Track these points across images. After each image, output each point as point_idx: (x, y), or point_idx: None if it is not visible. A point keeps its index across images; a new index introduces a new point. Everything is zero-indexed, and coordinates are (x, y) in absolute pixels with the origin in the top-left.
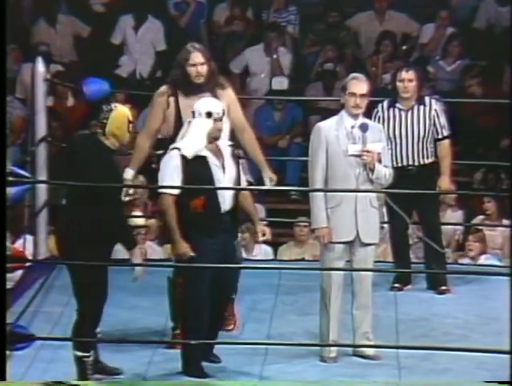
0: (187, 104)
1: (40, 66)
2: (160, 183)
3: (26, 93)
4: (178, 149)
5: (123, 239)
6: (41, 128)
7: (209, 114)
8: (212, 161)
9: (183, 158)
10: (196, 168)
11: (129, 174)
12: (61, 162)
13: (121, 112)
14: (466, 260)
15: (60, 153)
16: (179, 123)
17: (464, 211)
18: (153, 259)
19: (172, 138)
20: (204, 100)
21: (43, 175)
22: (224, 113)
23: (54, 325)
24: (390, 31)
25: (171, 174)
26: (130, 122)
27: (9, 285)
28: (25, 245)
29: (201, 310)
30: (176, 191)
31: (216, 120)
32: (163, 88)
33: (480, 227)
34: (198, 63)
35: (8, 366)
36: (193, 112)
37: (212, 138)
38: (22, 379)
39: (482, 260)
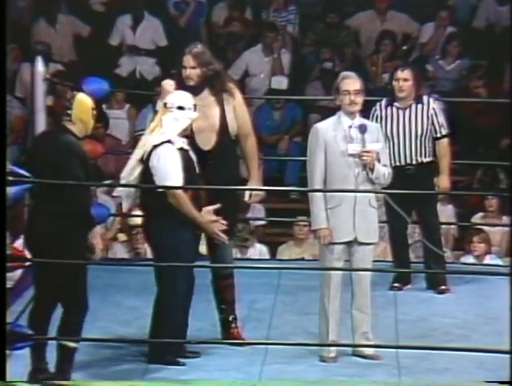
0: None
1: (40, 65)
2: (166, 178)
3: (25, 93)
4: (170, 142)
5: (80, 218)
6: (41, 127)
7: (181, 108)
8: (191, 153)
9: (178, 150)
10: (184, 160)
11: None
12: (30, 159)
13: (83, 98)
14: (470, 259)
15: (30, 152)
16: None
17: (455, 206)
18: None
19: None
20: (177, 93)
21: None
22: (195, 108)
23: (53, 324)
24: (390, 31)
25: (176, 167)
26: (93, 109)
27: (9, 284)
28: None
29: (181, 300)
30: (181, 183)
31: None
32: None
33: (483, 227)
34: (188, 66)
35: (8, 365)
36: (165, 105)
37: (186, 131)
38: (22, 378)
39: (487, 260)
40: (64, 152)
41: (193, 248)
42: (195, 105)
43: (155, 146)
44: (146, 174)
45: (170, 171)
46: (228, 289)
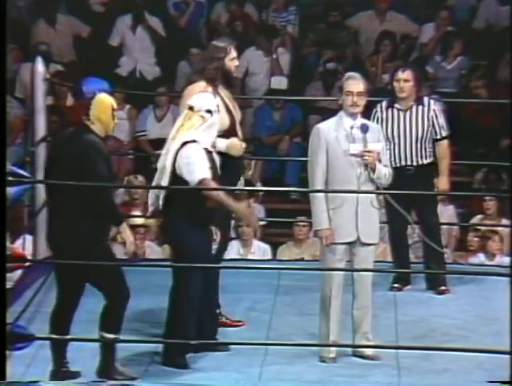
0: (227, 97)
1: (40, 66)
2: (193, 172)
3: (25, 93)
4: (195, 142)
5: (109, 215)
6: (41, 127)
7: (209, 111)
8: (214, 155)
9: (205, 150)
10: (209, 160)
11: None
12: (53, 159)
13: (103, 98)
14: (481, 259)
15: (51, 151)
16: (230, 115)
17: (457, 207)
18: (153, 259)
19: (229, 131)
20: (202, 96)
21: (43, 175)
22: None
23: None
24: (390, 31)
25: (203, 162)
26: (113, 109)
27: (9, 284)
28: (25, 245)
29: (196, 302)
30: (210, 175)
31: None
32: (202, 83)
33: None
34: (235, 57)
35: (8, 366)
36: (191, 108)
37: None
38: (22, 378)
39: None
40: (88, 151)
41: (209, 248)
42: (218, 106)
43: (182, 145)
44: (175, 177)
45: (198, 165)
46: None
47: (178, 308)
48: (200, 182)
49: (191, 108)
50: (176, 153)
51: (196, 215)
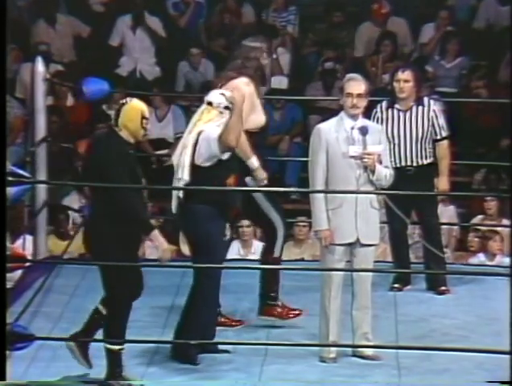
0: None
1: (40, 66)
2: (213, 136)
3: (25, 93)
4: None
5: (136, 222)
6: (41, 128)
7: (228, 108)
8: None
9: None
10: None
11: (256, 162)
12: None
13: (134, 106)
14: (482, 259)
15: (86, 151)
16: (266, 113)
17: (457, 207)
18: (153, 259)
19: (263, 128)
20: (218, 92)
21: (43, 175)
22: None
23: (54, 325)
24: (390, 31)
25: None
26: (143, 118)
27: (9, 285)
28: (25, 245)
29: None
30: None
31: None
32: (246, 80)
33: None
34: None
35: (8, 366)
36: (210, 104)
37: None
38: (22, 378)
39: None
40: (109, 156)
41: (224, 241)
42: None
43: (198, 135)
44: (195, 169)
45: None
46: (275, 264)
47: (194, 306)
48: (223, 139)
49: (209, 104)
50: (195, 145)
51: (217, 206)
